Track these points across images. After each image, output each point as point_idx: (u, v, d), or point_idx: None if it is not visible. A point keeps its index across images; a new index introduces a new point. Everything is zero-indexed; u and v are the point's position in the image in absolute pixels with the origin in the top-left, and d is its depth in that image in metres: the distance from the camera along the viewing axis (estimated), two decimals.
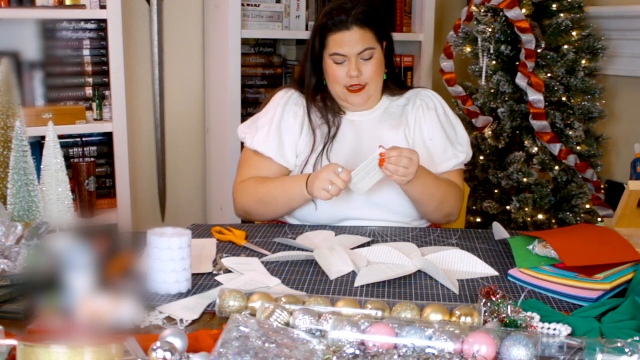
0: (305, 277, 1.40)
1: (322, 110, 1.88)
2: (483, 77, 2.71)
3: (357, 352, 1.00)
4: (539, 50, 2.59)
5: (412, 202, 1.81)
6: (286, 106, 1.89)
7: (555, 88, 2.59)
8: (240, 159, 1.95)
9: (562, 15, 2.63)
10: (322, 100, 1.90)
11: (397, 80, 1.97)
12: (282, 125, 1.87)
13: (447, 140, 1.88)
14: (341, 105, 1.90)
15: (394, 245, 1.57)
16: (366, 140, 1.86)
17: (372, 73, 1.83)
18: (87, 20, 2.59)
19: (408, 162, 1.64)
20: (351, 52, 1.80)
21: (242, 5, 2.75)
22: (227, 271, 1.41)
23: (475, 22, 2.75)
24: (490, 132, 2.68)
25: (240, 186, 1.88)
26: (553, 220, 2.65)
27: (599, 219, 2.64)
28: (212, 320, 1.18)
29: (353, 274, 1.41)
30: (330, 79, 1.86)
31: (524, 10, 2.57)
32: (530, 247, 1.44)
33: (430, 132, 1.87)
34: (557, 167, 2.63)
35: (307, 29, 2.96)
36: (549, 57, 2.60)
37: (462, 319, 1.10)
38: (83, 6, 2.51)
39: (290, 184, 1.79)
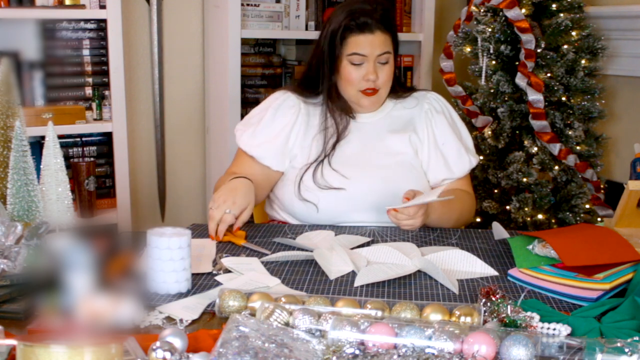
0: (305, 277, 1.40)
1: (327, 115, 1.87)
2: (483, 77, 2.71)
3: (357, 352, 1.00)
4: (538, 50, 2.59)
5: None
6: (279, 109, 1.89)
7: (555, 88, 2.59)
8: (235, 155, 1.96)
9: (562, 15, 2.63)
10: (333, 103, 1.89)
11: (399, 83, 1.97)
12: (270, 127, 1.87)
13: (460, 143, 1.89)
14: (351, 108, 1.89)
15: (394, 245, 1.57)
16: (370, 145, 1.86)
17: (386, 78, 1.84)
18: (87, 20, 2.59)
19: (410, 222, 1.68)
20: (372, 53, 1.79)
21: (242, 5, 2.75)
22: (227, 271, 1.41)
23: (475, 22, 2.75)
24: (490, 132, 2.68)
25: (219, 179, 1.90)
26: (553, 220, 2.65)
27: (599, 219, 2.64)
28: (212, 320, 1.18)
29: (353, 274, 1.41)
30: (345, 82, 1.84)
31: (523, 10, 2.57)
32: (530, 247, 1.44)
33: (443, 137, 1.88)
34: (557, 167, 2.64)
35: (307, 29, 2.96)
36: (548, 57, 2.60)
37: (462, 319, 1.10)
38: (83, 6, 2.51)
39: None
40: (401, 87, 1.96)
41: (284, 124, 1.88)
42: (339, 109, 1.88)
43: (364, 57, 1.80)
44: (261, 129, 1.88)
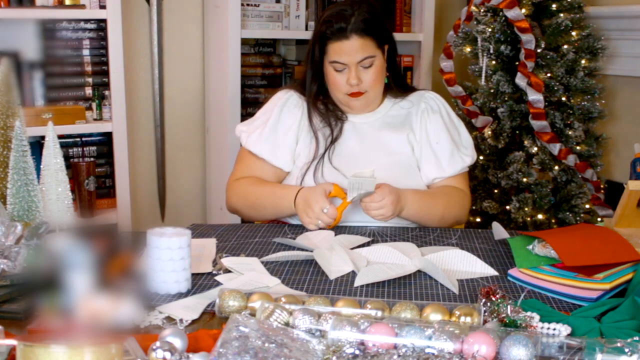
0: (305, 277, 1.40)
1: (323, 115, 1.88)
2: (483, 77, 2.71)
3: (357, 352, 1.00)
4: (538, 50, 2.59)
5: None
6: (284, 107, 1.89)
7: (555, 88, 2.59)
8: (237, 156, 1.96)
9: (562, 15, 2.63)
10: (323, 104, 1.90)
11: (400, 83, 1.96)
12: (278, 127, 1.87)
13: (453, 143, 1.88)
14: (343, 110, 1.90)
15: (394, 245, 1.57)
16: (368, 144, 1.86)
17: (372, 81, 1.82)
18: (87, 20, 2.58)
19: (378, 206, 1.69)
20: (351, 60, 1.79)
21: (242, 5, 2.75)
22: (227, 271, 1.41)
23: (475, 22, 2.75)
24: (490, 132, 2.68)
25: (233, 185, 1.89)
26: (553, 220, 2.65)
27: (599, 219, 2.64)
28: (212, 320, 1.18)
29: (353, 274, 1.41)
30: (331, 86, 1.86)
31: (523, 10, 2.57)
32: (530, 247, 1.44)
33: (437, 136, 1.87)
34: (557, 167, 2.64)
35: (307, 29, 2.96)
36: (548, 57, 2.60)
37: (462, 319, 1.10)
38: (83, 6, 2.51)
39: (280, 198, 1.79)
40: (399, 86, 1.95)
41: (290, 124, 1.88)
42: (330, 112, 1.88)
43: (344, 64, 1.80)
44: (269, 131, 1.87)
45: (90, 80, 2.65)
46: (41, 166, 1.47)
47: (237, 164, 1.94)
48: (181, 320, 1.15)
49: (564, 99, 2.63)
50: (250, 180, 1.87)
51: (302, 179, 1.83)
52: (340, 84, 1.82)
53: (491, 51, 2.67)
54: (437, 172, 1.86)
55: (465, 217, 1.92)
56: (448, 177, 1.88)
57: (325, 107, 1.89)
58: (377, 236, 1.70)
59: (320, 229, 1.71)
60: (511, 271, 1.41)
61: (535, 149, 2.63)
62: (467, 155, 1.90)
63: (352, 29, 1.77)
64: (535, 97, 2.54)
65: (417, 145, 1.88)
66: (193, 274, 1.34)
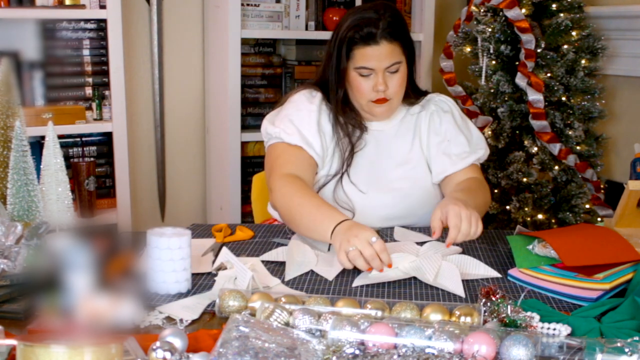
0: (305, 277, 1.40)
1: (343, 126, 1.81)
2: (483, 77, 2.71)
3: (357, 352, 1.00)
4: (538, 50, 2.59)
5: None
6: (321, 108, 1.82)
7: (555, 88, 2.59)
8: (272, 154, 1.81)
9: (562, 15, 2.63)
10: (344, 114, 1.82)
11: (416, 89, 1.91)
12: (311, 122, 1.79)
13: (466, 140, 1.86)
14: (363, 117, 1.84)
15: (394, 245, 1.57)
16: (383, 155, 1.83)
17: (397, 87, 1.77)
18: (87, 20, 2.59)
19: (468, 224, 1.48)
20: (379, 66, 1.72)
21: (242, 5, 2.75)
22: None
23: (475, 22, 2.75)
24: (490, 132, 2.68)
25: (281, 181, 1.71)
26: (553, 220, 2.65)
27: (599, 219, 2.64)
28: (212, 320, 1.18)
29: (353, 274, 1.41)
30: (355, 92, 1.78)
31: (523, 10, 2.57)
32: (530, 247, 1.44)
33: (449, 134, 1.85)
34: (557, 167, 2.64)
35: (307, 28, 2.96)
36: (548, 57, 2.60)
37: (462, 319, 1.10)
38: (83, 6, 2.51)
39: (320, 221, 1.55)
40: (415, 92, 1.90)
41: (327, 125, 1.81)
42: (350, 120, 1.82)
43: (371, 69, 1.74)
44: (315, 130, 1.78)
45: (90, 80, 2.65)
46: (41, 166, 1.47)
47: (277, 159, 1.77)
48: (181, 320, 1.15)
49: (564, 99, 2.63)
50: (296, 185, 1.69)
51: (318, 191, 1.78)
52: (365, 90, 1.76)
53: (491, 51, 2.67)
54: (449, 168, 1.81)
55: (490, 199, 1.89)
56: (464, 169, 1.82)
57: (345, 118, 1.82)
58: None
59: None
60: (511, 271, 1.41)
61: (535, 149, 2.63)
62: (481, 148, 1.87)
63: (382, 34, 1.71)
64: (535, 97, 2.54)
65: (425, 149, 1.86)
66: (193, 274, 1.34)
